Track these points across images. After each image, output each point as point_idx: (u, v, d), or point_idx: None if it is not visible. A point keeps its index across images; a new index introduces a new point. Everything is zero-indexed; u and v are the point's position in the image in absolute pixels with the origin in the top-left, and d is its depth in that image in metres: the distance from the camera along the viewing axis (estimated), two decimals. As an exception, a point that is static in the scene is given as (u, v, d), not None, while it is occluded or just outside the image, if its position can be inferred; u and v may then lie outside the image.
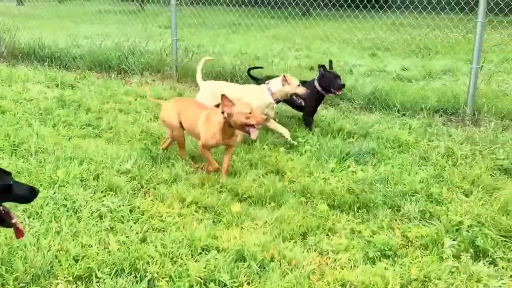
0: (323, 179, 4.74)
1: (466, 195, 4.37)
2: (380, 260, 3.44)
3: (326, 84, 6.08)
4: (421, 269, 3.27)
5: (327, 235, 3.79)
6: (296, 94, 5.78)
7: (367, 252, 3.50)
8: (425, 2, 7.75)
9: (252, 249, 3.46)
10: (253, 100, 5.44)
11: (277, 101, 5.91)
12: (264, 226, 3.91)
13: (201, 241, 3.58)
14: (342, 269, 3.32)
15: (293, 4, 10.73)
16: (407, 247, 3.61)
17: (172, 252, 3.47)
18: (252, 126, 4.47)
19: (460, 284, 3.14)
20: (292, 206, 4.19)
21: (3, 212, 2.68)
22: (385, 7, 9.46)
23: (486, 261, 3.38)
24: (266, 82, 5.86)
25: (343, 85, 6.10)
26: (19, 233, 2.74)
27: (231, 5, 11.12)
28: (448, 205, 4.15)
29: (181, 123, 5.10)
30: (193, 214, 4.09)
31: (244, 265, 3.32)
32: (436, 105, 6.86)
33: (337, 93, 6.13)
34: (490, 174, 4.76)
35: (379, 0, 8.80)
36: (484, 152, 5.30)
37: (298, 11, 16.42)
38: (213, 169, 4.81)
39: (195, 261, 3.38)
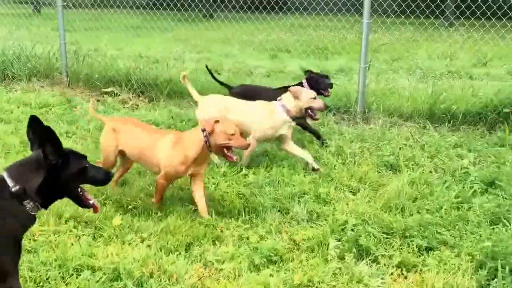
0: (213, 184, 4.59)
1: (353, 193, 4.41)
2: (266, 267, 3.34)
3: (314, 85, 5.73)
4: (305, 273, 3.20)
5: (214, 243, 3.64)
6: (312, 108, 5.02)
7: (253, 259, 3.38)
8: (313, 4, 7.87)
9: (130, 265, 3.22)
10: (266, 118, 4.94)
11: (294, 119, 5.06)
12: (148, 238, 3.68)
13: (74, 261, 3.27)
14: (225, 279, 3.18)
15: (193, 5, 10.52)
16: (293, 250, 3.54)
17: (40, 275, 3.14)
18: (230, 148, 3.92)
19: (342, 286, 3.11)
20: (179, 215, 3.99)
21: (80, 194, 2.75)
22: (284, 8, 9.52)
23: (369, 260, 3.39)
24: (279, 98, 5.08)
25: (331, 84, 5.89)
26: (95, 210, 2.89)
27: (127, 7, 10.73)
28: (335, 204, 4.16)
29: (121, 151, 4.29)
30: (71, 231, 3.76)
31: (119, 284, 3.07)
32: (329, 104, 6.95)
33: (326, 94, 5.92)
34: (377, 171, 4.86)
35: (279, 2, 8.84)
36: (371, 149, 5.42)
37: (199, 13, 16.22)
38: (156, 205, 4.09)
39: (66, 284, 3.08)
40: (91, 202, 2.82)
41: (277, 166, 4.97)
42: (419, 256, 3.42)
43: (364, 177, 4.67)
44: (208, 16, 17.25)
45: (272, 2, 8.86)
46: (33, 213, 2.54)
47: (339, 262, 3.35)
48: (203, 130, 3.88)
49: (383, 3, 7.63)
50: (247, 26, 12.66)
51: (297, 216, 3.98)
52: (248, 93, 5.68)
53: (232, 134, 3.85)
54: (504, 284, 2.99)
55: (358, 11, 7.09)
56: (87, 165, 2.73)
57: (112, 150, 4.29)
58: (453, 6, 11.74)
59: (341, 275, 3.20)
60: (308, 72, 5.95)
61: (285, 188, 4.45)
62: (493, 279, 3.06)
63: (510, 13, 6.88)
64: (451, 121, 6.22)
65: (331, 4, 7.81)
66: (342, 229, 3.70)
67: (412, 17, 7.78)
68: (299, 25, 12.82)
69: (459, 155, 5.18)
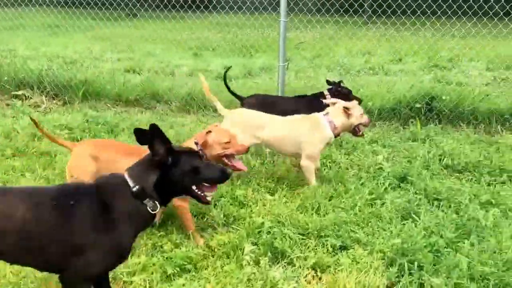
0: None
1: (271, 194, 4.37)
2: (179, 276, 3.22)
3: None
4: (219, 281, 3.11)
5: (125, 255, 3.46)
6: (361, 125, 4.64)
7: (166, 270, 3.25)
8: (231, 2, 7.81)
9: (30, 285, 3.00)
10: (314, 135, 4.40)
11: (336, 136, 4.61)
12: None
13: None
14: (135, 294, 3.03)
15: (108, 2, 10.10)
16: (208, 257, 3.44)
17: None
18: (231, 156, 3.71)
19: (255, 292, 3.05)
20: (90, 226, 3.77)
21: (198, 192, 2.70)
22: (201, 7, 9.38)
23: (285, 262, 3.35)
24: (325, 113, 4.53)
25: (361, 101, 5.32)
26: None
27: (44, 5, 10.17)
28: (252, 207, 4.09)
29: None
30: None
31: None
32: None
33: None
34: (296, 170, 4.86)
35: (204, 1, 8.71)
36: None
37: (121, 12, 15.71)
38: (194, 233, 3.67)
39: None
40: (208, 198, 2.77)
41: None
42: (334, 255, 3.42)
43: (282, 177, 4.65)
44: (131, 14, 16.73)
45: (189, 1, 8.71)
46: (153, 212, 2.56)
47: (254, 267, 3.27)
48: (196, 143, 3.66)
49: (299, 2, 7.69)
50: (171, 24, 12.42)
51: (213, 220, 3.88)
52: (263, 103, 5.24)
53: (227, 142, 3.67)
54: (412, 280, 3.05)
55: (275, 9, 7.10)
56: (199, 165, 2.68)
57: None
58: (365, 5, 12.08)
59: (256, 280, 3.13)
60: (335, 84, 5.43)
61: (202, 192, 4.32)
62: (403, 276, 3.11)
63: (418, 11, 7.15)
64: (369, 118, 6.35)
65: (248, 3, 7.77)
66: (258, 232, 3.64)
67: (327, 15, 7.91)
68: (217, 23, 12.71)
69: (374, 151, 5.30)
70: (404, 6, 7.46)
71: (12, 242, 2.39)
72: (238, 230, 3.73)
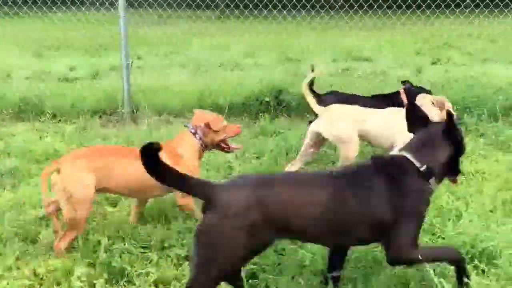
0: None
1: (113, 206, 4.01)
2: (-3, 316, 2.76)
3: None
4: (45, 316, 2.72)
5: None
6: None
7: (-21, 311, 2.76)
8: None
9: None
10: None
11: None
12: None
13: None
14: None
15: None
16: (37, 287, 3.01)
17: None
18: (226, 140, 3.72)
19: (86, 322, 2.71)
20: None
21: None
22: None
23: (124, 281, 3.04)
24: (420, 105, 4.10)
25: None
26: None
27: None
28: (90, 223, 3.68)
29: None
30: None
31: None
32: (95, 106, 6.45)
33: None
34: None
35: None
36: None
37: None
38: None
39: None
40: None
41: (26, 184, 4.31)
42: (179, 267, 3.18)
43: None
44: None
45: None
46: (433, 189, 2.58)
47: (89, 292, 2.93)
48: (194, 133, 3.58)
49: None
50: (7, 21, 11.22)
51: (44, 243, 3.43)
52: (342, 100, 4.85)
53: (226, 126, 3.71)
54: (258, 283, 2.93)
55: (113, 4, 6.68)
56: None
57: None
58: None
59: (89, 308, 2.80)
60: (406, 83, 5.19)
61: (32, 211, 3.83)
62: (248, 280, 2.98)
63: (282, 6, 7.26)
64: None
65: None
66: (95, 251, 3.28)
67: (169, 10, 7.66)
68: (60, 20, 11.74)
69: (224, 150, 5.16)
70: (266, 0, 7.52)
71: (319, 226, 2.45)
72: (72, 252, 3.33)
